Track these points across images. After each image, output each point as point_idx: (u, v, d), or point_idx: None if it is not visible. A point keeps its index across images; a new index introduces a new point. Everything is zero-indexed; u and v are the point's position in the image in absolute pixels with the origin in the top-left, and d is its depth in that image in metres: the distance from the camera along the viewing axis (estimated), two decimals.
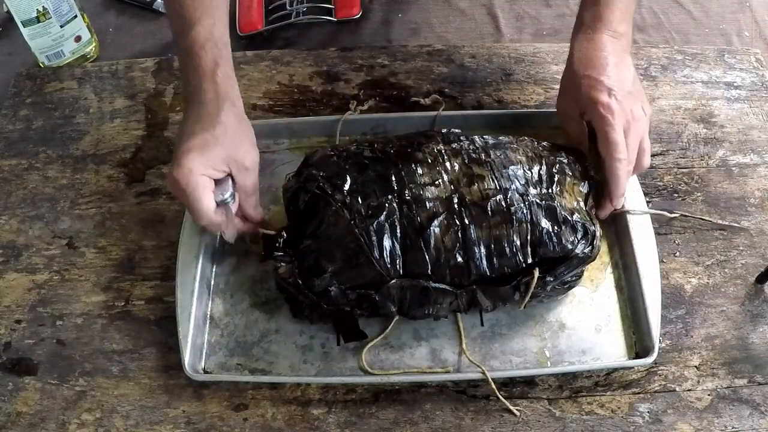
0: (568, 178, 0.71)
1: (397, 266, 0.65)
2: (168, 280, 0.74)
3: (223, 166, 0.66)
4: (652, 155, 0.82)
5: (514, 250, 0.66)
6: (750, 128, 0.86)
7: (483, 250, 0.66)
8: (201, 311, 0.71)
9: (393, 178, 0.67)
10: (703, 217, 0.78)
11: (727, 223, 0.78)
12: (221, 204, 0.67)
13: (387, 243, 0.65)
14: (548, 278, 0.67)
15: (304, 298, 0.66)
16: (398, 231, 0.65)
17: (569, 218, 0.67)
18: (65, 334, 0.71)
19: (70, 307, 0.73)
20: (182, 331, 0.68)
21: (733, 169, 0.82)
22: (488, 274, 0.66)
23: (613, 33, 0.72)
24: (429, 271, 0.65)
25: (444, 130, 0.75)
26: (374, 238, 0.65)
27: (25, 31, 0.89)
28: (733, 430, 0.65)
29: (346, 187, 0.67)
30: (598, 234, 0.69)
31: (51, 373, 0.69)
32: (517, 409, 0.66)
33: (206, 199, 0.65)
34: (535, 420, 0.66)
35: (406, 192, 0.67)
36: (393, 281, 0.65)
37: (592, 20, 0.73)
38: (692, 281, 0.74)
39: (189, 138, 0.65)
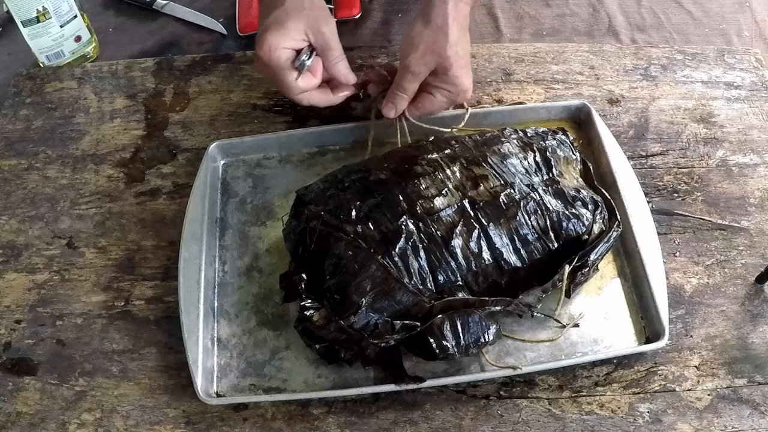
0: (562, 159, 0.72)
1: (428, 284, 0.64)
2: (168, 280, 0.74)
3: (301, 35, 0.70)
4: (651, 155, 0.83)
5: (536, 234, 0.66)
6: (750, 128, 0.86)
7: (507, 243, 0.66)
8: (208, 334, 0.69)
9: (400, 198, 0.66)
10: (703, 217, 0.78)
11: (727, 223, 0.78)
12: (300, 68, 0.70)
13: (414, 264, 0.64)
14: (590, 257, 0.67)
15: (346, 338, 0.63)
16: (421, 251, 0.64)
17: (578, 195, 0.69)
18: (65, 334, 0.71)
19: (70, 307, 0.73)
20: (191, 356, 0.66)
21: (733, 168, 0.82)
22: (520, 265, 0.66)
23: None
24: (461, 281, 0.65)
25: (431, 138, 0.75)
26: (400, 263, 0.63)
27: (25, 31, 0.89)
28: (733, 430, 0.65)
29: (353, 216, 0.65)
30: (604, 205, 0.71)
31: (51, 373, 0.69)
32: (516, 409, 0.66)
33: (289, 70, 0.70)
34: (535, 420, 0.66)
35: (417, 208, 0.66)
36: (438, 317, 0.63)
37: None
38: (692, 281, 0.74)
39: (265, 18, 0.71)
